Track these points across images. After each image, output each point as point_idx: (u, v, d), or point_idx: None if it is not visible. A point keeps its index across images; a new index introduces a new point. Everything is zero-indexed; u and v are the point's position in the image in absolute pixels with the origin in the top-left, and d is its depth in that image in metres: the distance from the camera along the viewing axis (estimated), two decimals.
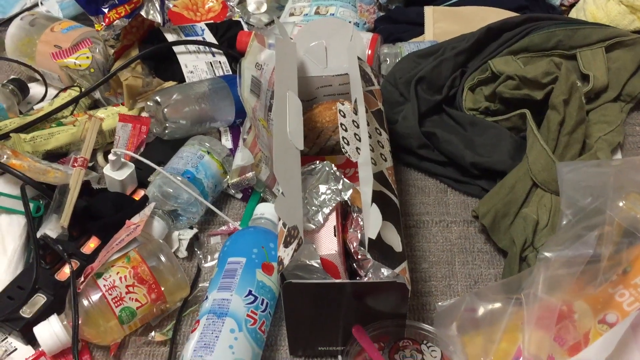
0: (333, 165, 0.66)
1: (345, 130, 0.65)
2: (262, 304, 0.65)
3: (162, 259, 0.69)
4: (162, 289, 0.68)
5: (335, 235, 0.62)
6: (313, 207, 0.63)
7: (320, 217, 0.63)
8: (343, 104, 0.70)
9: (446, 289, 0.73)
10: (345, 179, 0.65)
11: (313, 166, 0.67)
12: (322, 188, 0.64)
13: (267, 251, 0.69)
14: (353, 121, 0.67)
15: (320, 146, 0.78)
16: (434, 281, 0.74)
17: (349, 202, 0.65)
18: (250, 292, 0.65)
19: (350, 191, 0.65)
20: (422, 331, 0.63)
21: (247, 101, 0.80)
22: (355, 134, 0.66)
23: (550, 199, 0.73)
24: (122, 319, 0.66)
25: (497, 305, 0.63)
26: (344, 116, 0.66)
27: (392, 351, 0.62)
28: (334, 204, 0.63)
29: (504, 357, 0.63)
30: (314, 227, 0.62)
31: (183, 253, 0.77)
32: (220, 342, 0.61)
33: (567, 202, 0.60)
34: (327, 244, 0.61)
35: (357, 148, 0.64)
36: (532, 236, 0.71)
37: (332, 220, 0.63)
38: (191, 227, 0.79)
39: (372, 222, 0.55)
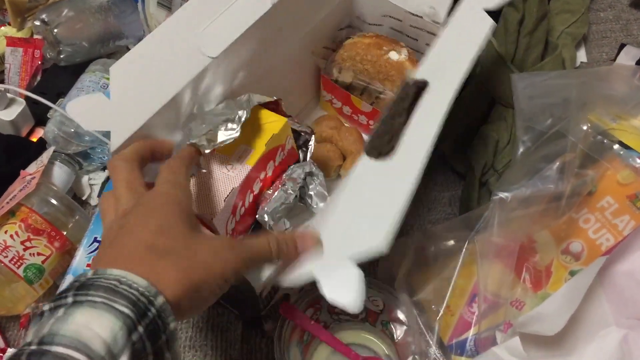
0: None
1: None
2: None
3: (54, 202, 0.60)
4: (64, 233, 0.59)
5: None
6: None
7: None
8: (400, 52, 0.59)
9: None
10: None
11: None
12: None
13: None
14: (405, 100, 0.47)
15: (349, 77, 0.64)
16: None
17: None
18: (95, 239, 0.58)
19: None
20: None
21: (154, 17, 0.67)
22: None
23: (511, 113, 0.64)
24: (30, 278, 0.58)
25: (451, 243, 0.56)
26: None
27: (331, 308, 0.55)
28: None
29: (460, 295, 0.58)
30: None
31: (95, 200, 0.67)
32: None
33: (523, 126, 0.51)
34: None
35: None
36: (493, 157, 0.63)
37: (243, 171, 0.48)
38: (104, 169, 0.69)
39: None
